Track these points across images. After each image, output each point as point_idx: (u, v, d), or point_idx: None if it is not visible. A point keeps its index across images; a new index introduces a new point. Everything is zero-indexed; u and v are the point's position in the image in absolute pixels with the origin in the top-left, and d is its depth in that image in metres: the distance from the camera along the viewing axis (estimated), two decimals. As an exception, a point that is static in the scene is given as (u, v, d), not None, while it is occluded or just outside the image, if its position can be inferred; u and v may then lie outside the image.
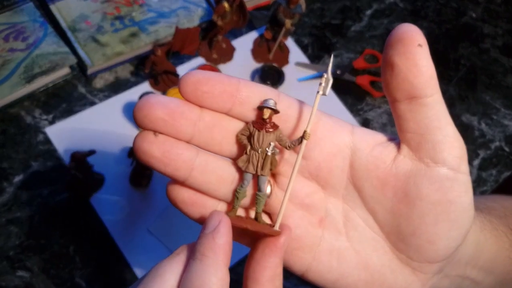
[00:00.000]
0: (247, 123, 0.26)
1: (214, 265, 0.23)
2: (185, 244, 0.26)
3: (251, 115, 0.26)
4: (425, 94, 0.24)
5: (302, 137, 0.25)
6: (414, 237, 0.27)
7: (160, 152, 0.25)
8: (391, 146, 0.27)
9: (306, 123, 0.26)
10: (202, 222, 0.26)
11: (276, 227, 0.26)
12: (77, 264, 0.60)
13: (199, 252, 0.24)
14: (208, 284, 0.23)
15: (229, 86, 0.25)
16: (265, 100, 0.25)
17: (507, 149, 0.84)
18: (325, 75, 0.25)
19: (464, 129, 0.84)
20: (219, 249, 0.24)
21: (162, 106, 0.24)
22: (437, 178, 0.25)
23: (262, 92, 0.26)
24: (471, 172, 0.80)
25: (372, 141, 0.27)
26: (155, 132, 0.25)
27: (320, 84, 0.25)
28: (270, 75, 0.75)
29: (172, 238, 0.63)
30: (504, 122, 0.87)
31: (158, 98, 0.25)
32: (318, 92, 0.25)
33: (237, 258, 0.62)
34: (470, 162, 0.80)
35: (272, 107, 0.25)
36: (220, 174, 0.27)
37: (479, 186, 0.79)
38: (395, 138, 0.27)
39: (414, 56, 0.24)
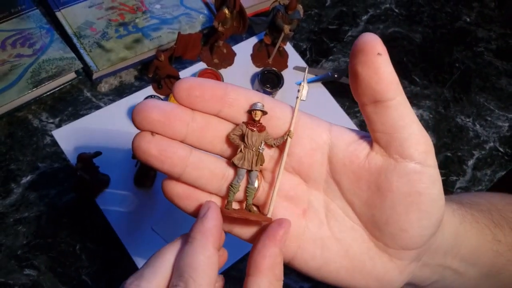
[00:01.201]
0: (237, 124, 0.29)
1: (202, 246, 0.26)
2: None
3: (239, 116, 0.28)
4: (387, 98, 0.26)
5: (288, 135, 0.28)
6: (388, 226, 0.28)
7: (157, 150, 0.27)
8: (365, 144, 0.29)
9: (288, 122, 0.29)
10: (196, 215, 0.29)
11: (269, 215, 0.29)
12: (83, 262, 0.61)
13: (190, 236, 0.27)
14: (196, 262, 0.26)
15: (218, 90, 0.28)
16: (254, 104, 0.28)
17: (501, 149, 0.85)
18: (302, 83, 0.29)
19: (459, 130, 0.85)
20: (207, 232, 0.27)
21: (158, 109, 0.27)
22: (406, 172, 0.27)
23: (248, 95, 0.28)
24: (466, 172, 0.81)
25: (348, 138, 0.29)
26: (152, 132, 0.27)
27: (299, 90, 0.29)
28: (270, 79, 0.76)
29: (175, 236, 0.62)
30: (498, 123, 0.87)
31: (154, 102, 0.27)
32: (297, 97, 0.29)
33: (238, 256, 0.63)
34: (465, 162, 0.82)
35: (262, 109, 0.28)
36: (212, 170, 0.29)
37: (474, 185, 0.80)
38: (369, 136, 0.29)
39: (373, 65, 0.26)
